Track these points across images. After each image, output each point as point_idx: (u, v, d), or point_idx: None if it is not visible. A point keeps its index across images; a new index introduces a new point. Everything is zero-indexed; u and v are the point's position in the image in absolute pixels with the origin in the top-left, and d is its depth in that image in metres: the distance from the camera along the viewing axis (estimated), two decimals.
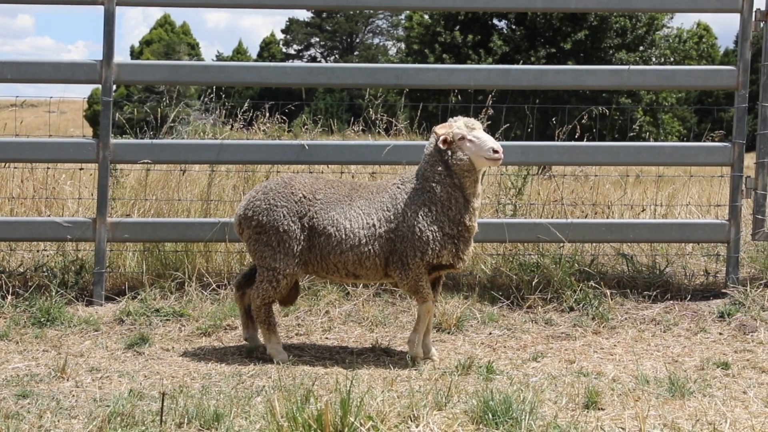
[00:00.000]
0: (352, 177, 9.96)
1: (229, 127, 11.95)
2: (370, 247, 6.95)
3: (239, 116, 11.39)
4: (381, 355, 7.33)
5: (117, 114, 10.41)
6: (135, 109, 15.07)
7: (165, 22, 72.48)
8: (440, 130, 6.96)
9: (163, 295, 8.56)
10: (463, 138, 6.86)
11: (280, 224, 6.97)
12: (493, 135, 9.74)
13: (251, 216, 7.06)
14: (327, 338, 7.87)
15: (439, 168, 6.92)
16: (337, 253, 6.97)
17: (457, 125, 6.92)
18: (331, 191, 7.09)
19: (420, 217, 6.88)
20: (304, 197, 7.01)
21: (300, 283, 7.64)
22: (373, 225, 6.95)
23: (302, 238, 6.98)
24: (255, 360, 7.10)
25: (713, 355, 7.34)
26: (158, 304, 8.33)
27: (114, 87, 8.93)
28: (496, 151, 6.78)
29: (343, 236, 6.93)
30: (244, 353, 7.29)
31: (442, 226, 6.89)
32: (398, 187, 7.05)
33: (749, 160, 9.21)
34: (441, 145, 6.89)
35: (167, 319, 8.11)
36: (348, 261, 6.98)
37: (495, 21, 36.88)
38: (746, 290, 8.73)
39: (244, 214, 7.10)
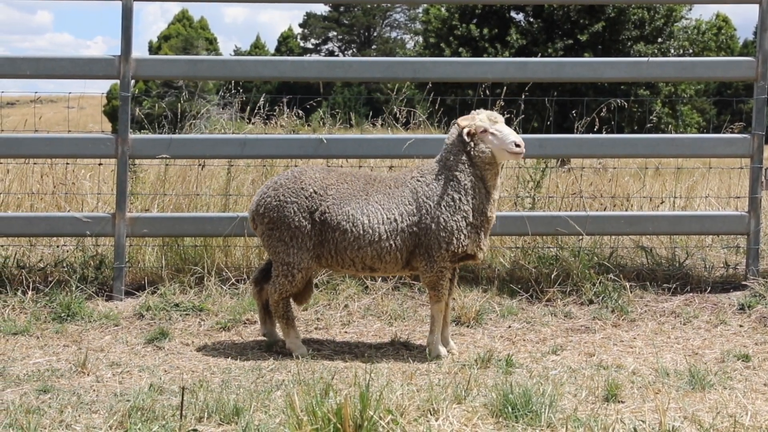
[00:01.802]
0: (371, 170, 9.96)
1: (248, 122, 11.94)
2: (391, 242, 6.96)
3: (261, 111, 11.36)
4: (400, 349, 7.34)
5: (136, 109, 10.42)
6: (156, 105, 15.10)
7: (183, 17, 72.55)
8: (463, 122, 6.99)
9: (183, 289, 8.58)
10: (485, 131, 6.91)
11: (291, 220, 6.97)
12: (510, 126, 9.73)
13: (263, 212, 7.07)
14: (346, 332, 7.88)
15: (462, 158, 6.96)
16: (354, 248, 6.97)
17: (480, 118, 6.96)
18: (344, 185, 7.08)
19: (443, 208, 6.90)
20: (315, 192, 7.01)
21: (315, 281, 7.64)
22: (395, 220, 6.95)
23: (314, 233, 6.99)
24: (274, 354, 7.12)
25: (734, 348, 7.33)
26: (178, 299, 8.35)
27: (132, 82, 8.95)
28: (518, 145, 6.84)
29: (361, 232, 6.93)
30: (264, 348, 7.30)
31: (466, 216, 6.93)
32: (418, 180, 7.06)
33: None
34: (465, 138, 6.91)
35: (187, 314, 8.13)
36: (366, 256, 6.99)
37: (512, 14, 36.78)
38: (766, 282, 8.70)
39: (256, 210, 7.13)
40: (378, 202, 7.01)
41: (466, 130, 6.92)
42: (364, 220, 6.95)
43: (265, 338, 7.47)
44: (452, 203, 6.91)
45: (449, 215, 6.89)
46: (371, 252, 6.97)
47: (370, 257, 7.00)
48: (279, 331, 7.36)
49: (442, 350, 7.10)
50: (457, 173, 6.95)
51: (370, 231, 6.94)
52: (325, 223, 6.98)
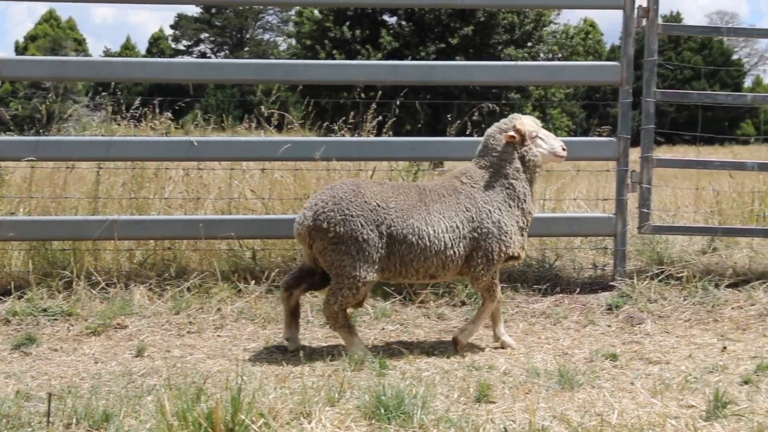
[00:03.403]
0: (243, 172, 9.92)
1: (118, 124, 11.78)
2: (455, 250, 7.02)
3: (128, 113, 11.22)
4: (273, 353, 7.29)
5: (2, 111, 10.19)
6: (20, 106, 14.81)
7: (51, 18, 71.37)
8: (521, 127, 7.20)
9: (51, 294, 8.41)
10: (536, 136, 7.23)
11: (359, 233, 6.85)
12: (380, 131, 9.82)
13: (326, 228, 6.87)
14: (219, 336, 7.81)
15: (516, 164, 7.20)
16: (421, 259, 6.97)
17: (527, 123, 7.28)
18: (402, 197, 7.03)
19: (503, 212, 7.10)
20: (378, 205, 6.92)
21: (187, 284, 7.55)
22: (457, 227, 7.02)
23: (381, 245, 6.92)
24: (145, 359, 7.02)
25: (602, 347, 7.45)
26: (46, 304, 8.18)
27: None
28: (564, 149, 7.31)
29: (428, 243, 6.94)
30: (134, 352, 7.20)
31: (517, 220, 7.17)
32: (472, 186, 7.16)
33: (635, 154, 9.35)
34: (518, 139, 7.21)
35: (55, 319, 7.97)
36: (431, 266, 7.02)
37: (385, 17, 36.98)
38: (633, 282, 8.88)
39: (316, 226, 6.92)
40: (438, 212, 7.03)
41: (524, 135, 7.21)
42: (429, 231, 6.95)
43: (286, 343, 7.36)
44: (509, 208, 7.12)
45: (508, 219, 7.10)
46: (437, 262, 7.02)
47: (435, 266, 7.04)
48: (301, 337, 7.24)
49: (509, 339, 7.56)
50: (512, 180, 7.18)
51: (436, 241, 6.96)
52: (391, 236, 6.92)
